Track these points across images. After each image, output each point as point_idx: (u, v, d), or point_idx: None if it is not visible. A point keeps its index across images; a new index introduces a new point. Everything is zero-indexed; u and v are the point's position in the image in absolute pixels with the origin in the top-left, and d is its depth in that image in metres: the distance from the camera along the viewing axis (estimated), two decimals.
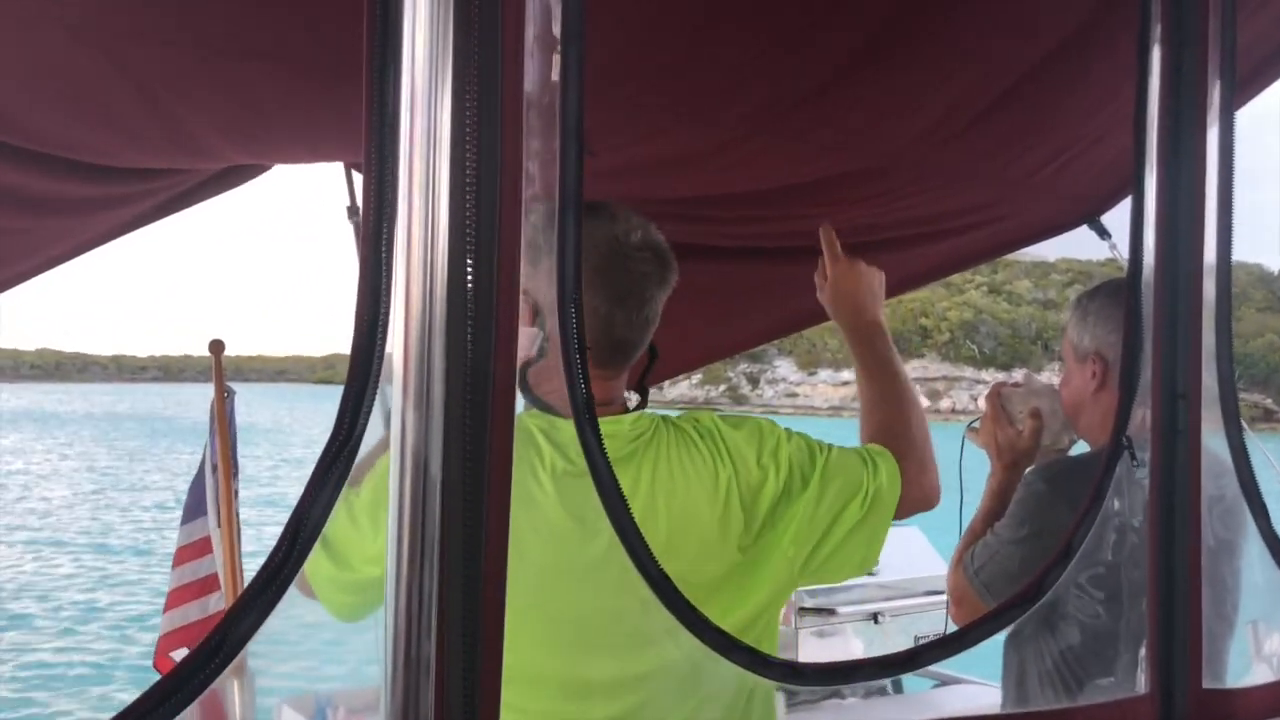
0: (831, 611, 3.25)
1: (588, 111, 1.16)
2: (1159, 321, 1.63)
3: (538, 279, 1.17)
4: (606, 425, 1.47)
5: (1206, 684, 1.60)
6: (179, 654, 3.64)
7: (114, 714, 0.81)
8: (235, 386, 3.80)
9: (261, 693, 3.15)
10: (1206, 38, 1.63)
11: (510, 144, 1.02)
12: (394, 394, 0.90)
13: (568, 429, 1.28)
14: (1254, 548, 1.75)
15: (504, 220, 1.01)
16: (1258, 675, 1.79)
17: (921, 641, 3.40)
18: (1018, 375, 2.57)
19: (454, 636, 0.89)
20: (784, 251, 3.03)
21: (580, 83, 1.16)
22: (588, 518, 1.27)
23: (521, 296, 1.03)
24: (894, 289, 3.55)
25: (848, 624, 3.29)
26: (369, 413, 1.00)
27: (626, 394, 1.67)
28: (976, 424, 2.29)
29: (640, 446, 1.60)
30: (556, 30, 1.14)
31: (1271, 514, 1.73)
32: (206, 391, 3.79)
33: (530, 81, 1.07)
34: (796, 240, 3.02)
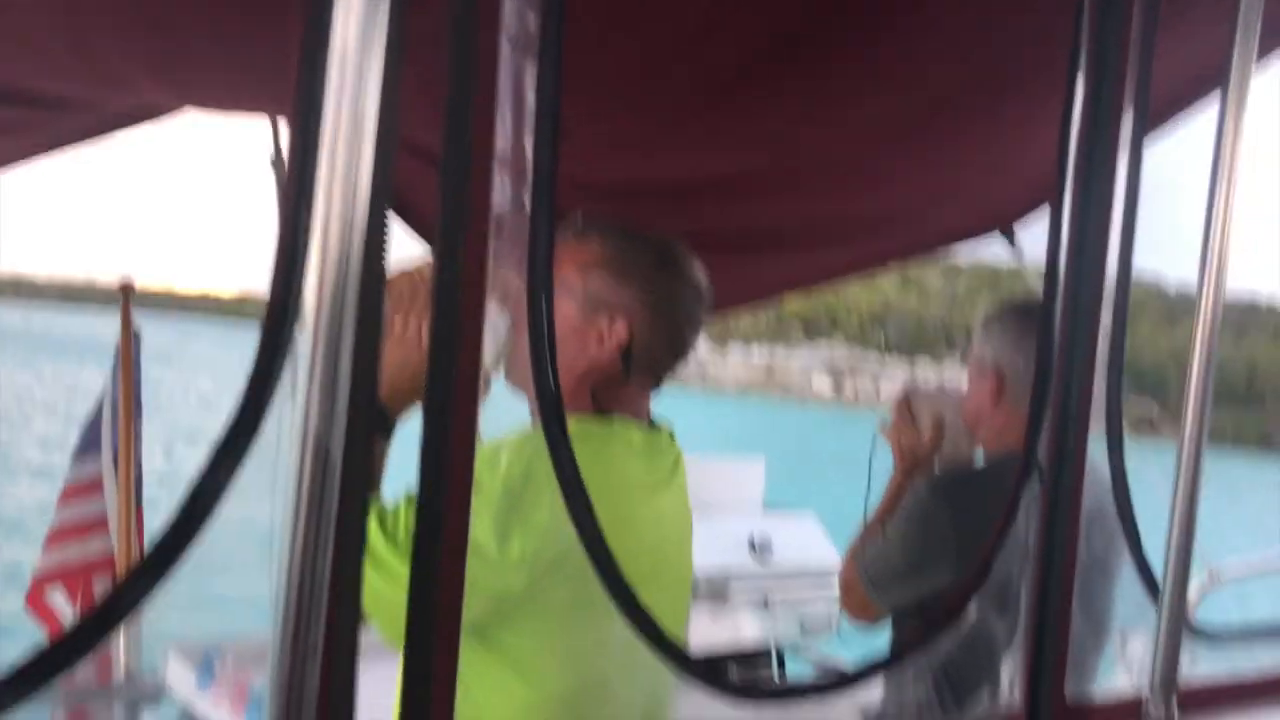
0: (724, 596, 3.30)
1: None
2: (1062, 348, 1.69)
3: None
4: (658, 438, 1.64)
5: (1070, 699, 1.68)
6: (54, 591, 3.55)
7: None
8: (143, 320, 3.71)
9: (150, 639, 3.13)
10: (1124, 71, 1.70)
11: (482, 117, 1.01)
12: (299, 375, 0.89)
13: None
14: (1128, 566, 1.83)
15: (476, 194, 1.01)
16: (1118, 684, 1.87)
17: (808, 629, 3.49)
18: (928, 380, 2.64)
19: (345, 623, 0.90)
20: (713, 241, 3.05)
21: (559, 49, 1.14)
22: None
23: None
24: (808, 284, 3.63)
25: (739, 606, 3.35)
26: (276, 384, 1.00)
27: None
28: (887, 422, 2.35)
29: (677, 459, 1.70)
30: None
31: (1157, 519, 1.82)
32: (109, 321, 3.68)
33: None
34: (727, 230, 3.05)
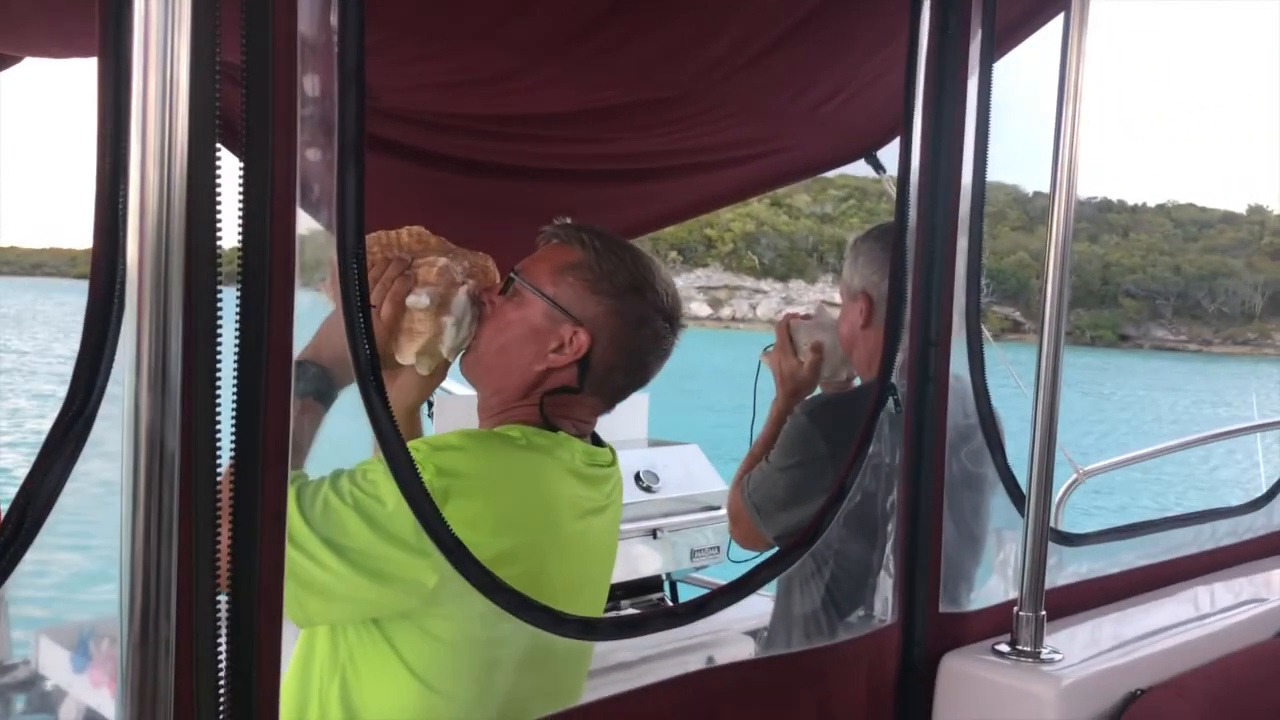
0: None
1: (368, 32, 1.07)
2: (918, 268, 1.72)
3: None
4: (600, 459, 1.61)
5: (944, 608, 1.74)
6: None
7: None
8: None
9: (19, 624, 3.02)
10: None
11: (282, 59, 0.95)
12: (124, 361, 0.83)
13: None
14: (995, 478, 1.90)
15: (276, 146, 0.94)
16: (990, 592, 1.95)
17: (698, 555, 3.55)
18: (804, 299, 2.67)
19: (204, 616, 0.87)
20: (579, 174, 3.03)
21: (360, 16, 1.07)
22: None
23: None
24: (680, 214, 3.62)
25: (630, 538, 3.38)
26: (109, 371, 0.95)
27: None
28: (770, 348, 2.37)
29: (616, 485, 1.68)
30: None
31: (1018, 418, 1.88)
32: None
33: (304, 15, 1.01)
34: (590, 164, 3.03)
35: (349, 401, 1.25)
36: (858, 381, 2.31)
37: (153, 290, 0.83)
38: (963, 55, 1.72)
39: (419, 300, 1.50)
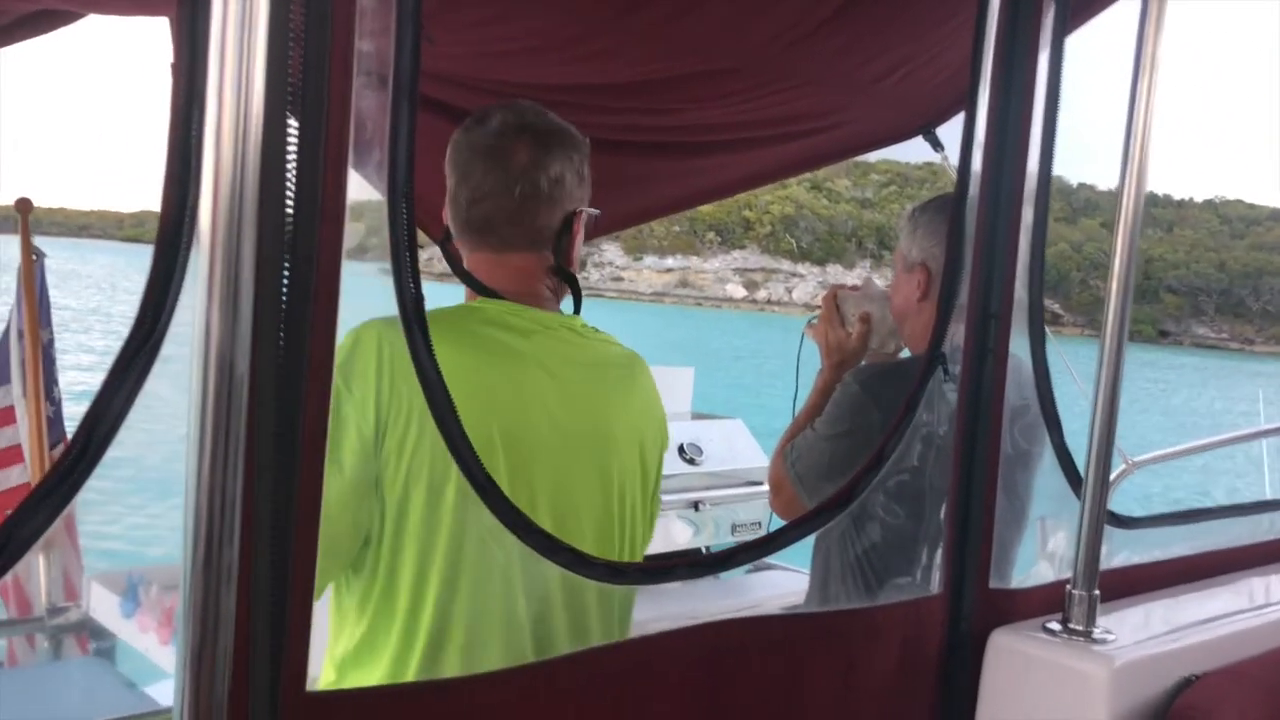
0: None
1: None
2: (979, 242, 1.69)
3: None
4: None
5: (993, 584, 1.72)
6: None
7: None
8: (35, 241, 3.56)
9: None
10: None
11: (341, 9, 0.96)
12: (198, 284, 0.83)
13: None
14: (1049, 457, 1.87)
15: (333, 90, 0.94)
16: (1040, 571, 1.93)
17: (739, 530, 3.54)
18: (851, 279, 2.65)
19: (261, 542, 0.87)
20: (635, 146, 3.01)
21: None
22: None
23: None
24: (734, 187, 3.60)
25: (670, 510, 3.38)
26: (175, 300, 0.95)
27: None
28: (815, 320, 2.35)
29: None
30: None
31: (1067, 410, 1.86)
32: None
33: None
34: (647, 135, 3.01)
35: None
36: (905, 353, 2.28)
37: (226, 221, 0.84)
38: (1035, 27, 1.68)
39: None
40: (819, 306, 2.38)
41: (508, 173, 1.61)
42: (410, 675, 1.45)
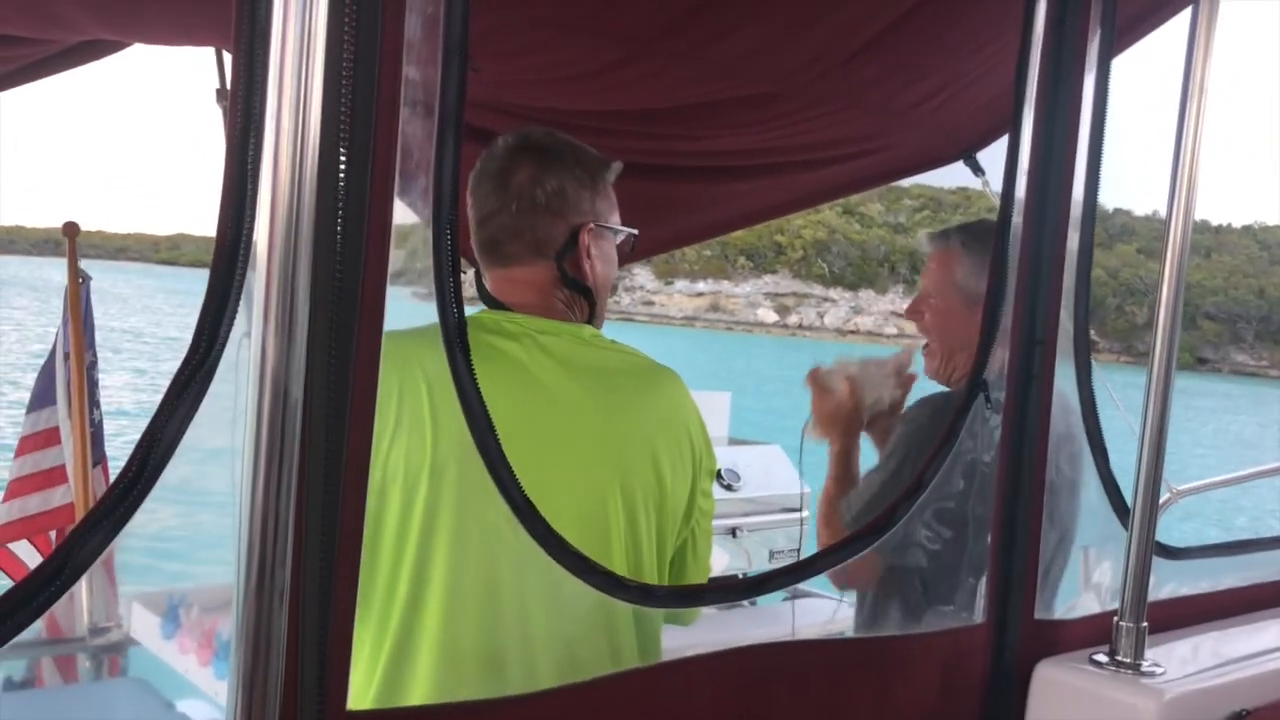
0: None
1: (474, 17, 1.12)
2: (1023, 268, 1.67)
3: None
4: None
5: (1038, 615, 1.69)
6: (17, 546, 3.52)
7: None
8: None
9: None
10: None
11: (390, 42, 0.98)
12: (254, 308, 0.85)
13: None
14: (1094, 484, 1.84)
15: (380, 121, 0.96)
16: (1084, 602, 1.90)
17: (776, 557, 3.52)
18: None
19: (311, 564, 0.87)
20: (674, 171, 3.02)
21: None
22: None
23: None
24: (772, 212, 3.60)
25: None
26: (231, 323, 0.96)
27: None
28: (809, 424, 2.35)
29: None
30: None
31: (1110, 436, 1.83)
32: (38, 265, 3.60)
33: None
34: (686, 160, 3.02)
35: None
36: (909, 402, 2.27)
37: (283, 247, 0.85)
38: (1080, 49, 1.67)
39: None
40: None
41: (507, 190, 1.66)
42: (377, 674, 1.49)
